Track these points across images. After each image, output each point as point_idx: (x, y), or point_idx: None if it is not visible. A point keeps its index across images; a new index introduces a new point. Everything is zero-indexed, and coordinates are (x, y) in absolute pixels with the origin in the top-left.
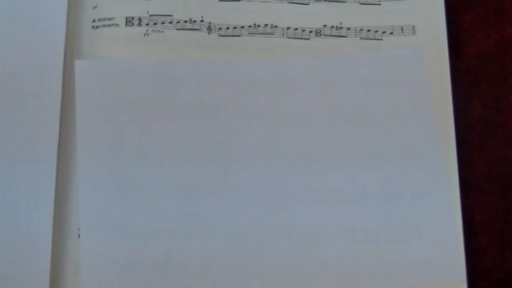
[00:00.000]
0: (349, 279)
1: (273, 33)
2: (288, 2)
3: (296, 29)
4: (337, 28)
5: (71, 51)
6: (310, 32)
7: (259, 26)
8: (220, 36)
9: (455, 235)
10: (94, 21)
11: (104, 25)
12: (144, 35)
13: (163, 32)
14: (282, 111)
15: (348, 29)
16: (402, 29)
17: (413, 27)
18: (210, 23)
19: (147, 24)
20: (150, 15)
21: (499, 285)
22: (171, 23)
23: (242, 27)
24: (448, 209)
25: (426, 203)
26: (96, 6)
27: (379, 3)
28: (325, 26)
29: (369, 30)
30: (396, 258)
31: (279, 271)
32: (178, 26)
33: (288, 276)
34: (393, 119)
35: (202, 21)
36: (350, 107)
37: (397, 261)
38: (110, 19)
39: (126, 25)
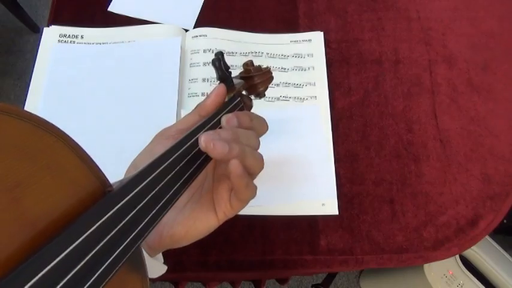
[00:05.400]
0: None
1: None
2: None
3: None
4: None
5: (179, 105)
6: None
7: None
8: None
9: (332, 178)
10: (189, 94)
11: (193, 95)
12: None
13: None
14: None
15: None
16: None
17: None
18: None
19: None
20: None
21: (348, 200)
22: None
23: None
24: (330, 165)
25: (321, 161)
26: (189, 88)
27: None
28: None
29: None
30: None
31: None
32: None
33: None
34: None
35: None
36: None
37: (305, 185)
38: (195, 93)
39: (201, 96)
